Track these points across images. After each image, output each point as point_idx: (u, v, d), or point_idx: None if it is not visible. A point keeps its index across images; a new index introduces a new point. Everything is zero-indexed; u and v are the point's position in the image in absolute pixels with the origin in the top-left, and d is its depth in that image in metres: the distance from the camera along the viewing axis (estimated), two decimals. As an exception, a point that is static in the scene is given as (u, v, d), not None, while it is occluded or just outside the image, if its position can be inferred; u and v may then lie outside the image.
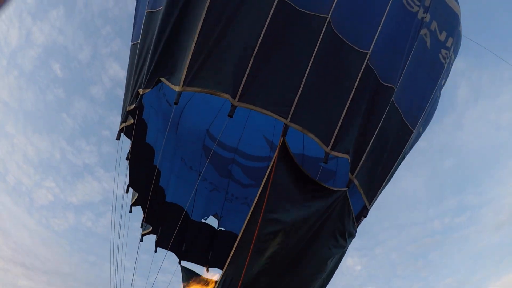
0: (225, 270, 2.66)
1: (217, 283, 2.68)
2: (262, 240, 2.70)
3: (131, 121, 4.29)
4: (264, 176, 2.91)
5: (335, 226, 3.15)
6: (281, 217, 2.83)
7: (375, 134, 3.43)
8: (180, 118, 5.24)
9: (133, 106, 4.06)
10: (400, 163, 4.11)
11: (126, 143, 4.55)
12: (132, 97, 4.16)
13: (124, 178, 4.51)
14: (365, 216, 3.62)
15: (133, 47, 4.77)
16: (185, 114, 5.29)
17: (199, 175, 5.16)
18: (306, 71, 3.17)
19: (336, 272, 3.45)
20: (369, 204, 3.53)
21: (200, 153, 5.50)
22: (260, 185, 4.91)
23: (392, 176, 4.00)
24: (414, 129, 3.93)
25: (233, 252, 2.67)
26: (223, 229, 5.40)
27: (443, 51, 4.11)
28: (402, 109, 3.77)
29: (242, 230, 2.71)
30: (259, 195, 2.76)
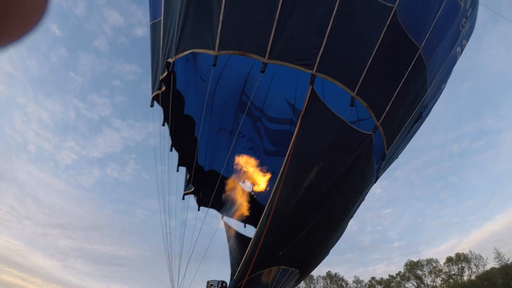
0: (269, 203, 3.04)
1: (262, 215, 3.06)
2: (299, 175, 3.08)
3: (162, 89, 4.63)
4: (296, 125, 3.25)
5: (364, 165, 3.49)
6: (314, 155, 3.18)
7: (400, 85, 3.66)
8: (215, 91, 5.63)
9: (165, 73, 4.36)
10: (417, 115, 4.33)
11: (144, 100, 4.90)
12: (164, 66, 4.47)
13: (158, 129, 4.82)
14: (383, 160, 3.87)
15: (153, 26, 5.10)
16: (219, 86, 5.68)
17: (237, 134, 5.56)
18: (328, 25, 3.43)
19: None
20: (387, 149, 3.80)
21: (234, 114, 5.91)
22: (283, 152, 5.29)
23: (408, 126, 4.26)
24: (430, 86, 4.13)
25: (275, 188, 3.05)
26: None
27: (463, 19, 4.30)
28: (427, 63, 3.94)
29: (282, 168, 3.06)
30: (294, 137, 3.11)
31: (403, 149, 4.55)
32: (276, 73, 6.45)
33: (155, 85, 4.67)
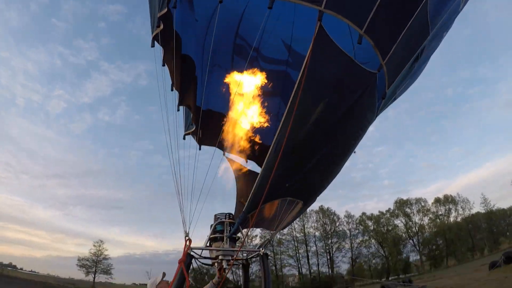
0: (277, 134, 3.16)
1: (271, 147, 3.19)
2: (307, 109, 3.19)
3: (160, 27, 4.51)
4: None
5: (367, 102, 3.62)
6: (321, 90, 3.28)
7: (407, 27, 3.67)
8: (210, 30, 5.50)
9: (165, 10, 4.24)
10: (415, 58, 4.40)
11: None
12: (161, 3, 4.34)
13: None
14: (383, 98, 4.01)
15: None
16: (214, 26, 5.53)
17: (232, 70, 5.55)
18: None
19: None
20: (388, 87, 3.91)
21: (231, 53, 5.86)
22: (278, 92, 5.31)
23: (407, 68, 4.36)
24: (432, 31, 4.14)
25: (284, 120, 3.15)
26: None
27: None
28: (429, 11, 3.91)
29: (290, 102, 3.15)
30: (303, 71, 3.16)
31: (402, 92, 4.68)
32: (273, 13, 6.28)
33: (154, 24, 4.54)
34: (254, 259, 4.18)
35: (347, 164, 4.09)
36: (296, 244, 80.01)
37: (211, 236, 3.90)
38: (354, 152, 3.83)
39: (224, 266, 3.81)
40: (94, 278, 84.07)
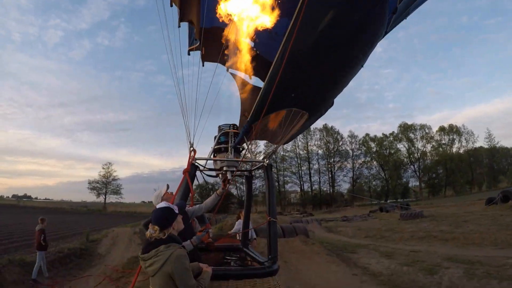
0: (283, 43, 3.04)
1: (277, 55, 3.10)
2: (315, 17, 3.02)
3: None
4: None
5: (379, 16, 3.37)
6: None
7: None
8: None
9: None
10: None
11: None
12: None
13: None
14: (394, 13, 3.77)
15: None
16: None
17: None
18: None
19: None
20: (399, 2, 3.65)
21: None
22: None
23: None
24: None
25: (290, 27, 3.00)
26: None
27: None
28: None
29: (298, 8, 2.97)
30: None
31: (414, 9, 4.37)
32: None
33: None
34: (258, 173, 4.34)
35: (352, 83, 4.00)
36: (299, 161, 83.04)
37: (215, 147, 3.96)
38: (362, 66, 3.73)
39: (229, 177, 3.95)
40: (105, 199, 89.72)
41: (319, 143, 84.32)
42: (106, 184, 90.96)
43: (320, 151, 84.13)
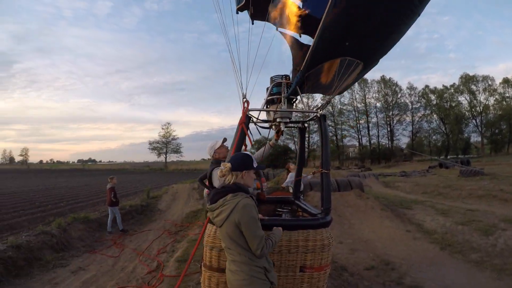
0: None
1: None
2: None
3: None
4: None
5: None
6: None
7: None
8: None
9: None
10: None
11: None
12: None
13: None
14: None
15: None
16: None
17: None
18: None
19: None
20: None
21: None
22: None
23: None
24: None
25: None
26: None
27: None
28: None
29: None
30: None
31: None
32: None
33: None
34: (314, 127, 4.31)
35: (410, 32, 3.75)
36: (357, 115, 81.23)
37: (268, 98, 4.00)
38: (419, 15, 3.49)
39: (282, 128, 4.01)
40: (165, 158, 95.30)
41: (377, 95, 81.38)
42: (166, 143, 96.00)
43: (378, 104, 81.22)
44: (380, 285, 6.49)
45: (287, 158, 62.38)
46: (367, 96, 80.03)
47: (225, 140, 4.51)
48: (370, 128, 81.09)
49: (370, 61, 3.76)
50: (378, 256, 8.44)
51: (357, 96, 78.90)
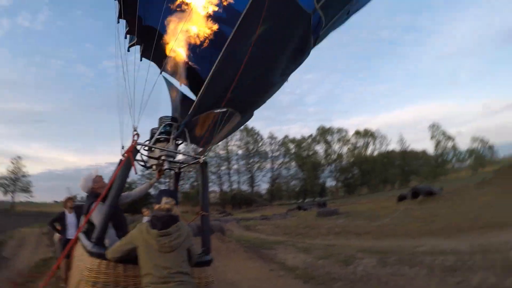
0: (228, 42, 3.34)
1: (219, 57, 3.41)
2: (247, 32, 3.37)
3: None
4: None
5: (302, 41, 3.79)
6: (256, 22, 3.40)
7: None
8: None
9: None
10: None
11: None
12: None
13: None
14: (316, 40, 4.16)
15: None
16: None
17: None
18: None
19: None
20: (324, 27, 4.05)
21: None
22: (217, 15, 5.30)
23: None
24: None
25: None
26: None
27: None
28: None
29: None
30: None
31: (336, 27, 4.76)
32: None
33: None
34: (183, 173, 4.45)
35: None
36: (218, 161, 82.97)
37: (156, 137, 4.01)
38: (287, 81, 4.24)
39: (164, 167, 4.07)
40: (13, 197, 79.18)
41: (239, 143, 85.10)
42: (14, 180, 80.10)
43: (240, 151, 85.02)
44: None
45: (147, 203, 59.98)
46: (229, 143, 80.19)
47: (97, 170, 4.37)
48: (231, 174, 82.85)
49: (246, 112, 4.30)
50: (245, 296, 8.54)
51: (219, 143, 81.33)
